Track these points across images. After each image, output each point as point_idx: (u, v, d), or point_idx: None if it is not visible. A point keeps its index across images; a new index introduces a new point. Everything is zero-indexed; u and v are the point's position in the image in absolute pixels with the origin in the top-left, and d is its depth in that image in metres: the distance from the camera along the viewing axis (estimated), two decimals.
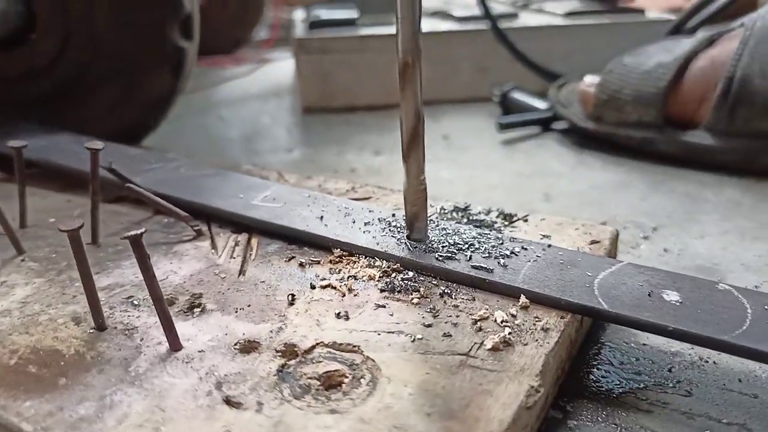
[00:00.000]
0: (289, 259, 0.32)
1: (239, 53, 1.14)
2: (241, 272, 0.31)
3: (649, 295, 0.27)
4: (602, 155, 0.57)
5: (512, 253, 0.31)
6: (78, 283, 0.30)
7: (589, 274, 0.29)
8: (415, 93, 0.29)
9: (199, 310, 0.27)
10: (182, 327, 0.26)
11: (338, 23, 0.76)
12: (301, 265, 0.31)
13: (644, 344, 0.30)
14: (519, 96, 0.68)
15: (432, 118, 0.70)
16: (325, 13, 0.77)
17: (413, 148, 0.29)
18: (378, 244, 0.32)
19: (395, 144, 0.62)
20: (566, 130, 0.63)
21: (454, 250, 0.31)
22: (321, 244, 0.33)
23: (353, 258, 0.31)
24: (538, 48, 0.75)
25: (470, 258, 0.30)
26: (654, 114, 0.54)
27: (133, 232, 0.24)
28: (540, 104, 0.65)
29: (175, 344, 0.25)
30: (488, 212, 0.37)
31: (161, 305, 0.24)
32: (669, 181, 0.51)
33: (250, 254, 0.33)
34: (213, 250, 0.33)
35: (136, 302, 0.28)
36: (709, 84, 0.52)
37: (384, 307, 0.27)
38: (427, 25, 0.79)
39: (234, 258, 0.32)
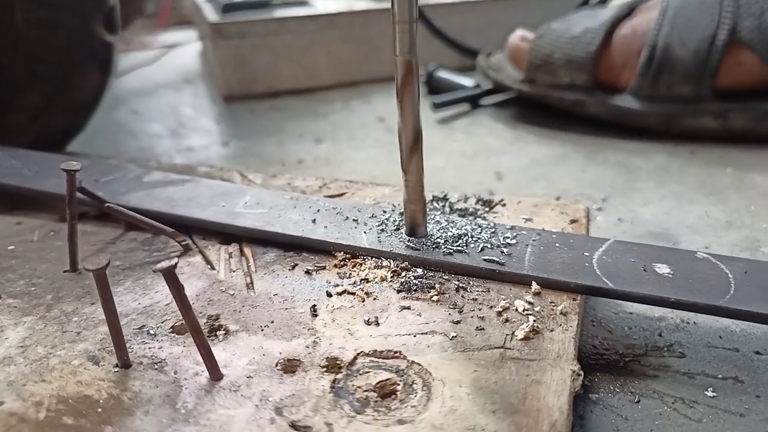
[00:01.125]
0: (293, 267, 0.31)
1: (128, 37, 1.06)
2: (249, 287, 0.30)
3: (644, 270, 0.30)
4: (535, 129, 0.60)
5: (510, 241, 0.32)
6: (76, 317, 0.28)
7: (586, 254, 0.31)
8: (414, 103, 0.29)
9: (222, 332, 0.27)
10: (213, 353, 0.25)
11: (252, 5, 0.73)
12: (308, 272, 0.31)
13: (631, 313, 0.33)
14: (445, 75, 0.69)
15: (363, 99, 0.70)
16: None
17: (415, 151, 0.30)
18: (381, 243, 0.32)
19: (333, 130, 0.62)
20: (496, 104, 0.66)
21: (458, 244, 0.31)
22: (320, 249, 0.33)
23: (358, 260, 0.31)
24: (452, 24, 0.76)
25: (476, 250, 0.31)
26: (585, 78, 0.57)
27: (165, 264, 0.22)
28: (466, 81, 0.67)
29: (216, 373, 0.24)
30: (466, 199, 0.38)
31: (200, 337, 0.23)
32: (601, 151, 0.55)
33: (249, 266, 0.32)
34: (208, 266, 0.32)
35: (152, 332, 0.27)
36: (630, 51, 0.56)
37: (408, 308, 0.28)
38: (344, 4, 0.78)
39: (234, 271, 0.31)
